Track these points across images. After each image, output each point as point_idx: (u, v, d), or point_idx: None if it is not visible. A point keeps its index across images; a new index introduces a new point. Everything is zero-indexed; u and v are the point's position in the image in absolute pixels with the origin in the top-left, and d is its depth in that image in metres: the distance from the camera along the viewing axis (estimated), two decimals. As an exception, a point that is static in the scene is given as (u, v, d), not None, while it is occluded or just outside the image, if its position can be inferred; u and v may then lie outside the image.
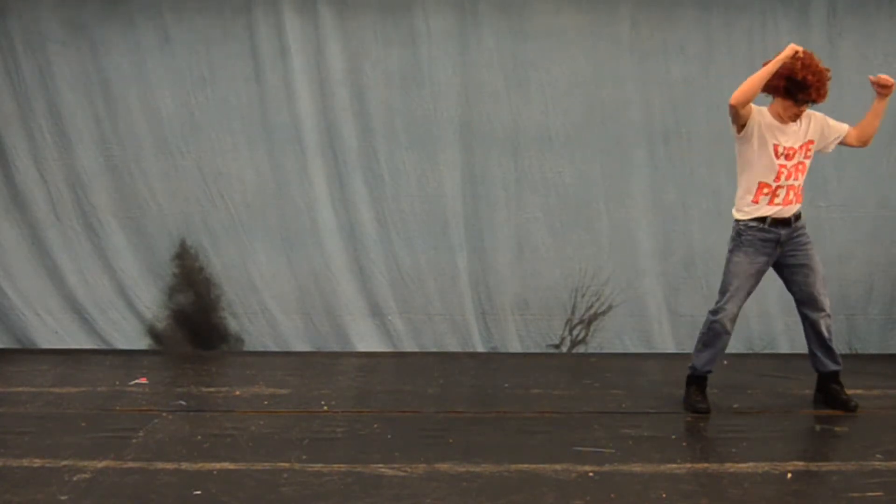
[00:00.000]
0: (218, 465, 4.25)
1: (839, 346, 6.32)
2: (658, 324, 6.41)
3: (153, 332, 6.49)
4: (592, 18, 6.22)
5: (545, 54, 6.24)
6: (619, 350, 6.43)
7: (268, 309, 6.46)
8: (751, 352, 6.38)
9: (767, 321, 6.38)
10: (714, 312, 5.01)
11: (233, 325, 6.50)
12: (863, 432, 4.71)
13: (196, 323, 6.49)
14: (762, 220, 4.92)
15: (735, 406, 5.17)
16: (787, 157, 4.89)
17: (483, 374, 5.93)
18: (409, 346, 6.47)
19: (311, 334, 6.48)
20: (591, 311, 6.44)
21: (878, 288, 6.36)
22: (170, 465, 4.25)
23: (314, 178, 6.35)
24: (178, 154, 6.35)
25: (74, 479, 4.08)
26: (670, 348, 6.39)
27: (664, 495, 3.91)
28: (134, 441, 4.57)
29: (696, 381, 5.15)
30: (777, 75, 4.79)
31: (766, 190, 4.91)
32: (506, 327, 6.45)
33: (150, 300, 6.46)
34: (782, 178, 4.89)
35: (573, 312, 6.44)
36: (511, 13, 6.22)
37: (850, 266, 6.34)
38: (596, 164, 6.31)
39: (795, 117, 4.91)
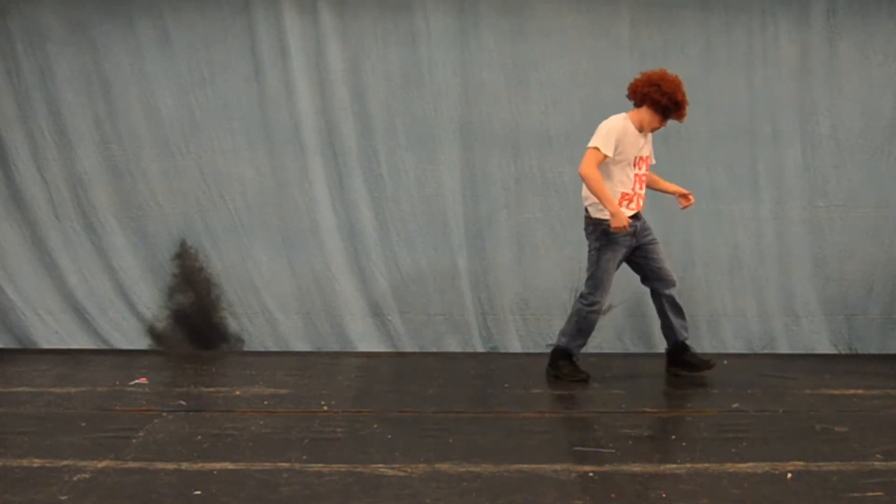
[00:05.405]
0: (218, 465, 4.25)
1: (839, 347, 6.37)
2: (658, 324, 6.40)
3: (153, 332, 6.50)
4: (592, 18, 6.22)
5: (545, 54, 6.25)
6: (619, 350, 6.43)
7: (268, 309, 6.46)
8: (751, 352, 6.38)
9: (767, 321, 6.38)
10: (590, 304, 5.48)
11: (233, 325, 6.50)
12: (863, 432, 4.70)
13: (196, 323, 6.49)
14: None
15: (735, 406, 5.17)
16: (638, 166, 5.41)
17: (483, 374, 5.93)
18: (409, 346, 6.47)
19: (311, 334, 6.48)
20: (591, 311, 6.43)
21: (878, 288, 6.36)
22: (170, 465, 4.24)
23: (314, 178, 6.35)
24: (179, 154, 6.35)
25: (74, 479, 4.08)
26: (670, 348, 6.38)
27: (664, 495, 3.91)
28: (134, 441, 4.57)
29: (567, 355, 5.61)
30: (661, 92, 5.21)
31: (626, 199, 5.34)
32: (506, 327, 6.45)
33: (151, 300, 6.46)
34: (636, 186, 5.40)
35: (573, 312, 6.44)
36: (511, 13, 6.22)
37: (850, 266, 6.34)
38: (596, 164, 6.32)
39: (653, 131, 5.38)
